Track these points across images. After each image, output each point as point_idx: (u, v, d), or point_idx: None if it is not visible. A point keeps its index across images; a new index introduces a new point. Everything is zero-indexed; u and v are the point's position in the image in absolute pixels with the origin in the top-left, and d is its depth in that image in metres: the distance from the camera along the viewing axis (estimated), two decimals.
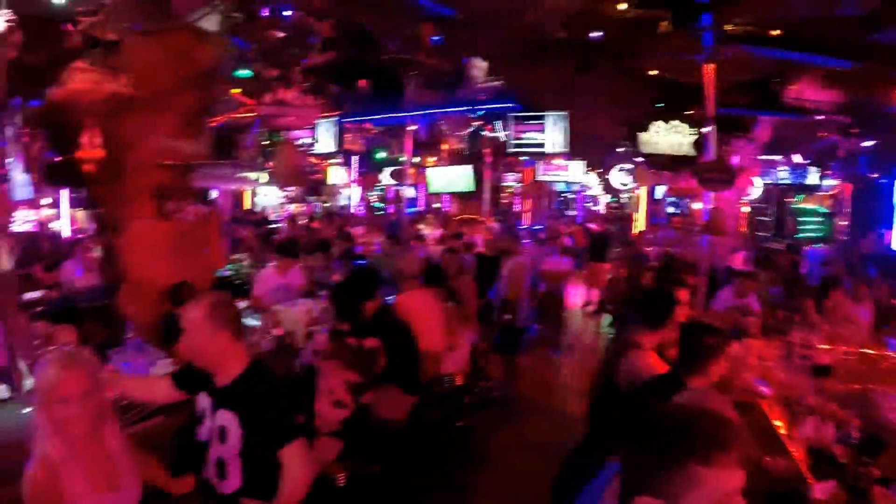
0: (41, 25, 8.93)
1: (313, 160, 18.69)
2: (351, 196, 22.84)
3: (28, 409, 4.02)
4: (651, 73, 12.69)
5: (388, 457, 5.14)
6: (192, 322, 2.87)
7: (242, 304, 6.41)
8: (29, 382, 4.32)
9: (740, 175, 10.53)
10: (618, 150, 19.57)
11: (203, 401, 3.06)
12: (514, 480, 5.77)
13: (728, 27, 9.55)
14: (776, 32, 10.31)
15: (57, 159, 6.18)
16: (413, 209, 18.17)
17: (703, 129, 12.15)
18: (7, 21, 3.86)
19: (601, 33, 11.02)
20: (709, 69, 8.26)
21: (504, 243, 8.85)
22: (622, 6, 9.31)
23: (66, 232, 16.89)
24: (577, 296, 13.10)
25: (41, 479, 2.42)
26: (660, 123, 13.31)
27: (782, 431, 4.42)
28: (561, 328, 10.60)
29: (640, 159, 17.19)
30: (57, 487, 2.43)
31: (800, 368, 5.54)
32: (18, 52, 4.14)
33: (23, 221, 6.62)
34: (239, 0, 6.94)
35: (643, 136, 13.45)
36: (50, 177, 6.07)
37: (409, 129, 12.80)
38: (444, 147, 17.87)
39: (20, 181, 4.20)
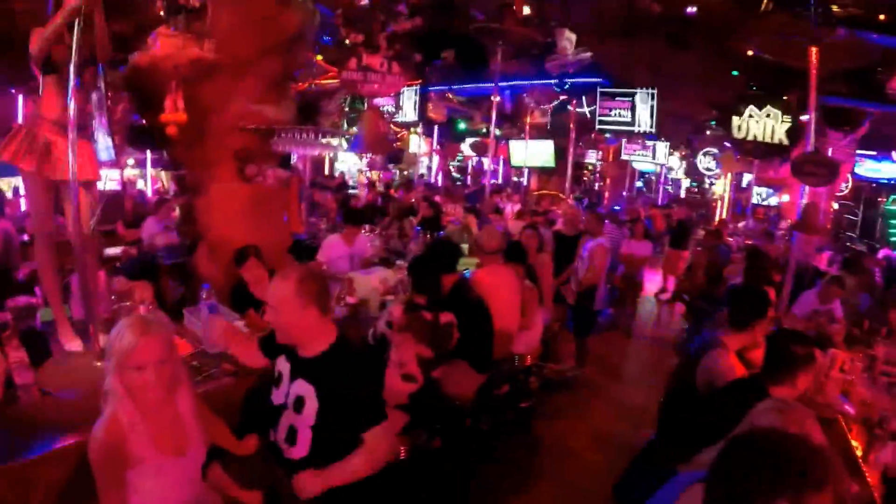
0: None
1: (395, 128, 18.76)
2: (430, 165, 22.84)
3: (100, 364, 4.14)
4: (747, 53, 12.15)
5: (451, 433, 5.13)
6: (280, 297, 2.85)
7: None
8: (104, 338, 4.40)
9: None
10: (706, 133, 19.01)
11: (282, 365, 3.08)
12: (574, 466, 5.70)
13: (834, 8, 9.03)
14: (884, 17, 9.69)
15: (140, 122, 6.27)
16: (492, 182, 18.06)
17: (802, 118, 11.70)
18: None
19: (696, 8, 10.59)
20: (813, 53, 7.77)
21: (586, 223, 8.56)
22: None
23: (148, 191, 17.51)
24: (653, 282, 12.87)
25: (108, 441, 2.43)
26: (752, 108, 12.71)
27: (859, 453, 4.15)
28: (635, 314, 10.37)
29: (728, 144, 16.63)
30: (123, 450, 2.44)
31: (882, 386, 5.24)
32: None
33: (107, 180, 6.81)
34: None
35: (734, 121, 12.90)
36: (133, 139, 6.18)
37: (492, 99, 12.61)
38: (528, 120, 17.65)
39: (104, 144, 4.24)
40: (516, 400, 6.30)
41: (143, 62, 5.27)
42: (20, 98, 15.50)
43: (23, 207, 12.72)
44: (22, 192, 14.60)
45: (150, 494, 2.54)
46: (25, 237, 10.71)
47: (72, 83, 3.94)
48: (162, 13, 5.36)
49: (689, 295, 8.61)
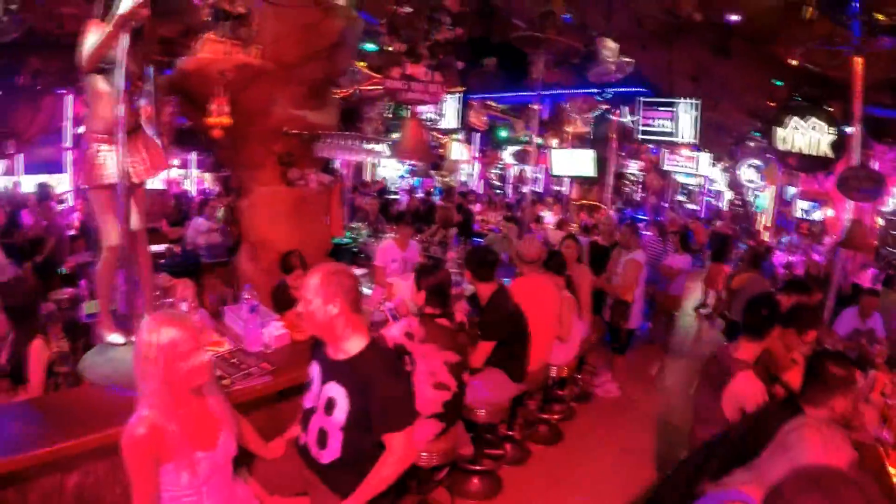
0: None
1: (436, 135, 18.83)
2: (472, 173, 22.87)
3: None
4: (791, 62, 11.95)
5: (481, 440, 5.16)
6: (309, 287, 2.91)
7: (359, 272, 6.53)
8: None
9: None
10: (749, 143, 18.74)
11: (313, 370, 3.13)
12: (603, 480, 5.60)
13: (880, 17, 8.87)
14: None
15: (186, 125, 6.42)
16: (532, 190, 18.01)
17: (847, 130, 11.49)
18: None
19: (738, 16, 10.43)
20: (858, 62, 7.62)
21: (620, 236, 8.38)
22: None
23: (193, 192, 17.86)
24: (692, 296, 12.69)
25: (146, 437, 2.47)
26: (796, 119, 12.47)
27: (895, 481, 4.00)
28: (672, 329, 10.24)
29: (771, 156, 16.36)
30: (160, 445, 2.50)
31: None
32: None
33: (153, 180, 7.02)
34: None
35: (778, 132, 12.68)
36: (179, 141, 6.34)
37: (533, 108, 12.60)
38: (569, 129, 17.61)
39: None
40: (549, 410, 6.33)
41: (190, 66, 5.40)
42: (69, 98, 15.95)
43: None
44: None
45: (184, 488, 2.60)
46: (73, 232, 11.06)
47: (121, 88, 4.06)
48: (208, 19, 5.46)
49: (730, 310, 8.45)
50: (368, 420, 2.87)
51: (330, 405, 2.93)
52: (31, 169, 17.19)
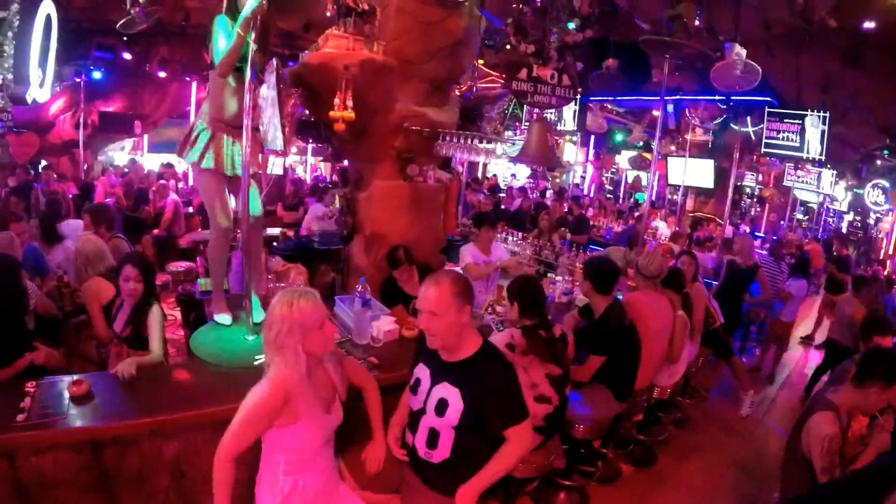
0: None
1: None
2: (584, 175, 22.61)
3: (252, 337, 4.43)
4: None
5: (574, 455, 5.06)
6: (438, 302, 2.91)
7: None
8: (258, 314, 4.66)
9: None
10: (877, 162, 17.78)
11: (420, 372, 3.16)
12: None
13: None
14: None
15: (309, 116, 6.55)
16: (644, 197, 17.61)
17: None
18: None
19: (874, 24, 9.86)
20: None
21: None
22: None
23: (307, 178, 18.40)
24: (806, 324, 12.06)
25: (275, 397, 2.63)
26: None
27: None
28: (781, 357, 9.74)
29: None
30: (285, 407, 2.66)
31: None
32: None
33: (272, 165, 7.25)
34: None
35: None
36: (301, 131, 6.47)
37: (654, 113, 12.30)
38: (689, 137, 17.15)
39: (274, 135, 4.47)
40: (646, 432, 6.15)
41: (314, 61, 5.48)
42: (194, 85, 16.68)
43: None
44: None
45: (307, 448, 2.79)
46: (190, 209, 11.54)
47: (248, 83, 4.19)
48: (329, 14, 5.55)
49: (842, 343, 7.95)
50: (482, 420, 2.90)
51: (441, 406, 2.96)
52: (154, 148, 18.16)
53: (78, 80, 14.36)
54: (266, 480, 2.80)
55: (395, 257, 5.99)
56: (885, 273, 15.01)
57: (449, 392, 2.95)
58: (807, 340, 11.63)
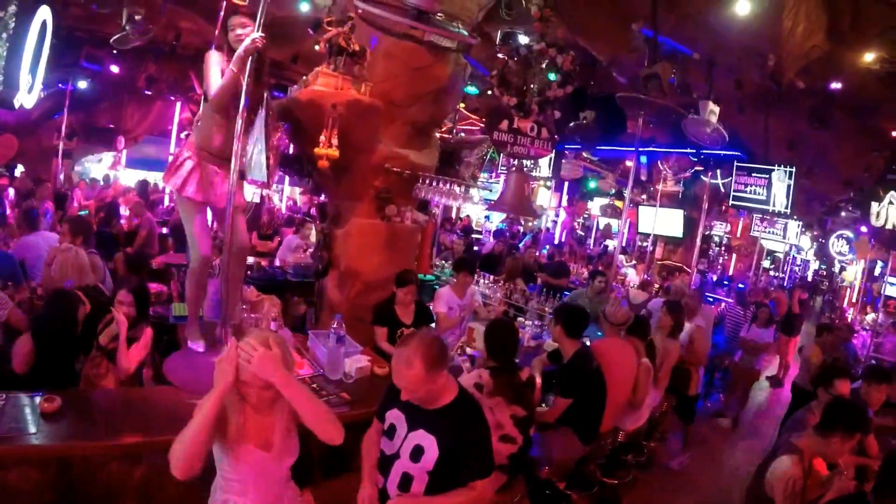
0: (285, 24, 9.76)
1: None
2: (556, 220, 22.84)
3: None
4: (891, 134, 11.57)
5: (538, 496, 5.15)
6: (410, 379, 2.95)
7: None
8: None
9: None
10: (841, 214, 18.25)
11: (394, 417, 3.19)
12: None
13: None
14: None
15: (293, 151, 6.67)
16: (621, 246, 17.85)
17: None
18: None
19: (840, 84, 10.22)
20: None
21: (687, 302, 8.12)
22: (869, 56, 8.53)
23: (282, 208, 18.43)
24: (771, 370, 12.38)
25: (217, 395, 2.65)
26: (893, 193, 12.05)
27: None
28: (746, 402, 9.96)
29: (864, 230, 15.88)
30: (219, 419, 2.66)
31: None
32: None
33: (252, 195, 7.36)
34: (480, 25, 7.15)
35: (873, 206, 12.27)
36: (284, 164, 6.59)
37: (627, 163, 12.57)
38: (660, 187, 17.49)
39: (258, 165, 4.59)
40: (611, 475, 6.27)
41: (303, 97, 5.63)
42: (178, 105, 16.76)
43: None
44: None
45: (232, 476, 2.75)
46: (164, 230, 11.50)
47: (240, 121, 4.31)
48: (320, 50, 5.71)
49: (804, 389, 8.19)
50: (457, 466, 2.96)
51: (417, 452, 3.01)
52: (132, 164, 18.09)
53: (63, 87, 14.36)
54: (213, 489, 2.84)
55: (407, 277, 6.03)
56: (848, 320, 15.33)
57: (425, 439, 3.00)
58: (773, 380, 11.95)
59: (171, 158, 4.86)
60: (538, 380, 4.70)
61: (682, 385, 7.43)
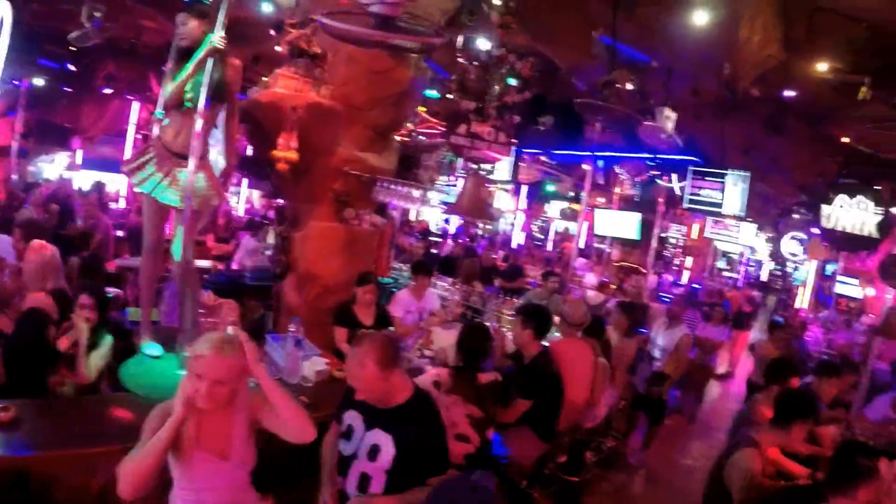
0: (246, 25, 9.68)
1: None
2: (514, 223, 22.93)
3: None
4: (842, 140, 11.89)
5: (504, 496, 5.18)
6: (362, 378, 3.00)
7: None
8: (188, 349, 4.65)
9: None
10: (794, 216, 18.62)
11: (352, 418, 3.21)
12: None
13: None
14: None
15: (252, 153, 6.64)
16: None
17: (893, 210, 11.45)
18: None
19: (795, 93, 10.47)
20: None
21: (676, 305, 8.45)
22: (822, 66, 8.76)
23: (240, 211, 18.24)
24: (724, 367, 12.63)
25: (158, 410, 2.71)
26: (843, 197, 12.38)
27: None
28: (702, 399, 10.15)
29: (816, 231, 16.23)
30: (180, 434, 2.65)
31: None
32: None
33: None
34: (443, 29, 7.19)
35: (824, 209, 12.61)
36: (243, 167, 6.56)
37: (584, 167, 12.70)
38: (617, 191, 17.68)
39: (216, 166, 4.58)
40: (571, 472, 6.33)
41: (263, 99, 5.64)
42: (136, 105, 16.47)
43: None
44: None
45: (186, 484, 2.73)
46: (120, 233, 11.28)
47: (200, 120, 4.28)
48: (281, 51, 5.69)
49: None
50: (413, 464, 2.99)
51: (374, 452, 3.04)
52: (87, 164, 17.68)
53: (17, 84, 14.08)
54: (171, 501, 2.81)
55: (367, 277, 5.98)
56: (801, 318, 15.67)
57: (381, 438, 3.03)
58: (724, 376, 12.26)
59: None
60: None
61: (659, 391, 7.60)
